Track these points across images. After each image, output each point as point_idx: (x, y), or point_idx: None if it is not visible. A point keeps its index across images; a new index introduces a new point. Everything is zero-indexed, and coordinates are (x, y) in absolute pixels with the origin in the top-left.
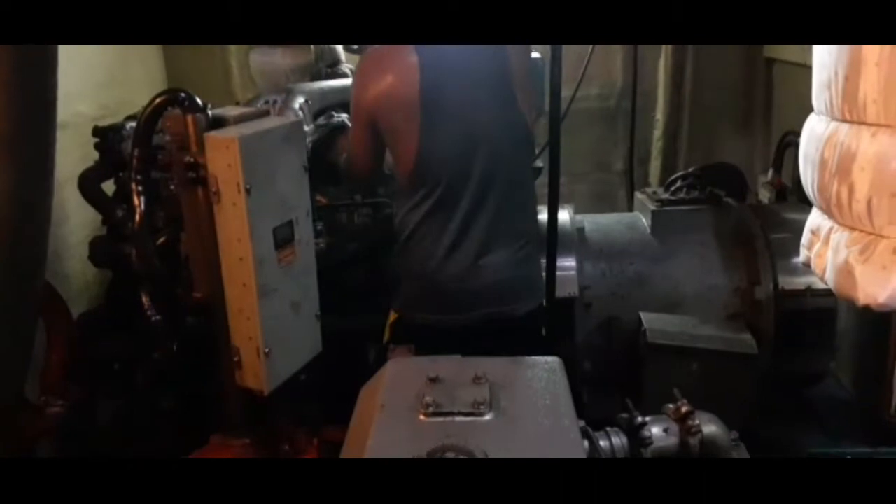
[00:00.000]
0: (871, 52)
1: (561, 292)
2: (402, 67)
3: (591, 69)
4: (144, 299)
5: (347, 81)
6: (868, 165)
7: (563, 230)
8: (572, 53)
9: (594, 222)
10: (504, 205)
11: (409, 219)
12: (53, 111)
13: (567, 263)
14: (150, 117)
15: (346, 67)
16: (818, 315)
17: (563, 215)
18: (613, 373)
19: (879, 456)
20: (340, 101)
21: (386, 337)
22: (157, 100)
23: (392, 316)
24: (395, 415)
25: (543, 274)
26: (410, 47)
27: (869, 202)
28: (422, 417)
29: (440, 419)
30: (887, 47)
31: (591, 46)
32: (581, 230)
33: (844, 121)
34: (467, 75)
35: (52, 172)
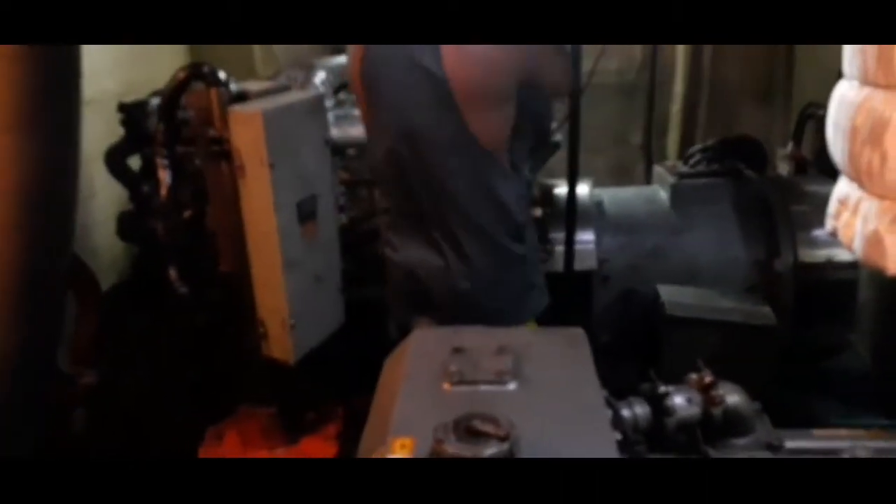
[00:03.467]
0: None
1: (579, 266)
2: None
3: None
4: (172, 272)
5: None
6: None
7: (581, 204)
8: None
9: (613, 196)
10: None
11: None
12: (78, 83)
13: (586, 237)
14: (174, 91)
15: None
16: (838, 287)
17: (582, 189)
18: (631, 345)
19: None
20: None
21: None
22: (181, 74)
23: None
24: (420, 384)
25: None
26: None
27: None
28: (446, 386)
29: (465, 388)
30: None
31: None
32: (600, 204)
33: (878, 86)
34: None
35: (79, 144)
